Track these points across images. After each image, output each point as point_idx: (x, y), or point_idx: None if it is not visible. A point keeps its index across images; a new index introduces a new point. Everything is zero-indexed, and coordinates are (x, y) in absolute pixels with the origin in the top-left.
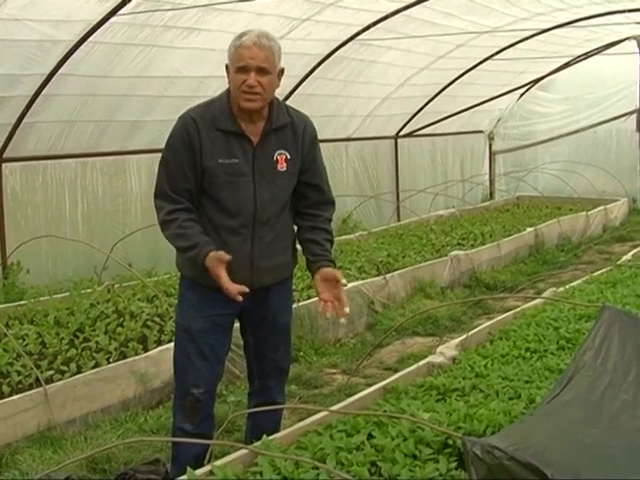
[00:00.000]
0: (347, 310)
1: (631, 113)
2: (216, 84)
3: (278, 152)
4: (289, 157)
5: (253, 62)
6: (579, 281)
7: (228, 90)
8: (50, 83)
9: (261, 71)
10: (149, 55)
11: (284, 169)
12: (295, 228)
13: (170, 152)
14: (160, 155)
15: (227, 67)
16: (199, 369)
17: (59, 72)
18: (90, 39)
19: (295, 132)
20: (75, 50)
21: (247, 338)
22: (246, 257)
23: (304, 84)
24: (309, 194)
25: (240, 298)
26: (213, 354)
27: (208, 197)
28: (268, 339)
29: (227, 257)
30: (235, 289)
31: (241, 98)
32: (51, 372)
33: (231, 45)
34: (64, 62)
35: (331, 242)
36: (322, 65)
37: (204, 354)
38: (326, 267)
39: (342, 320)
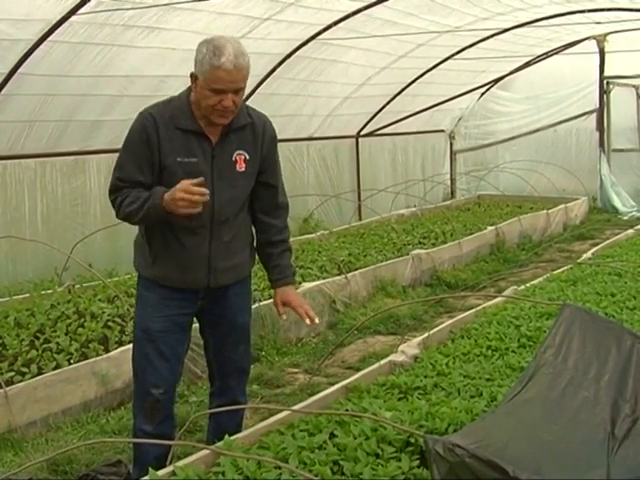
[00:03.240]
0: (317, 321)
1: (591, 112)
2: (177, 83)
3: (237, 152)
4: (248, 158)
5: (232, 85)
6: (540, 279)
7: (188, 89)
8: (9, 82)
9: (237, 90)
10: (109, 54)
11: (243, 169)
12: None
13: (127, 149)
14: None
15: (194, 77)
16: (159, 369)
17: (18, 71)
18: (50, 38)
19: (255, 132)
20: (35, 49)
21: (207, 338)
22: (203, 257)
23: (265, 84)
24: (264, 195)
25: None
26: (172, 354)
27: None
28: (227, 339)
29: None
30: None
31: (214, 115)
32: (11, 374)
33: (205, 62)
34: (23, 61)
35: (290, 250)
36: (283, 65)
37: (163, 354)
38: (288, 284)
39: (308, 322)
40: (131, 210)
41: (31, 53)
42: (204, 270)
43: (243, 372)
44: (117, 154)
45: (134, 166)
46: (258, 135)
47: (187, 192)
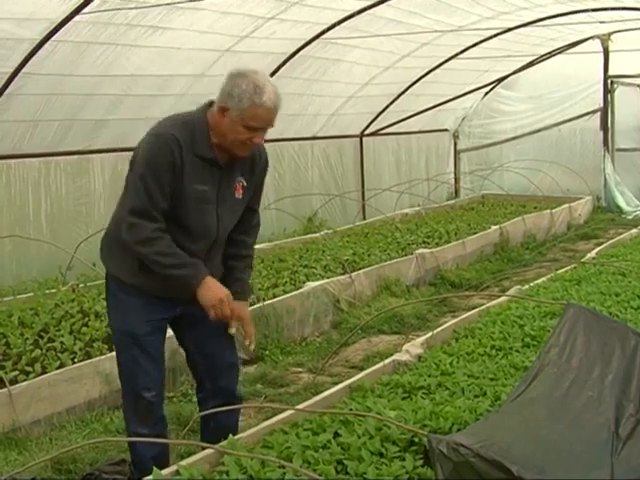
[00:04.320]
0: (253, 347)
1: (594, 112)
2: (181, 83)
3: (238, 180)
4: (245, 185)
5: (268, 123)
6: (544, 279)
7: (204, 110)
8: (13, 82)
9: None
10: (113, 54)
11: (240, 196)
12: None
13: (152, 170)
14: (131, 164)
15: (223, 109)
16: (148, 372)
17: (22, 71)
18: (54, 38)
19: (253, 159)
20: (39, 49)
21: (188, 343)
22: None
23: None
24: (247, 218)
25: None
26: (158, 356)
27: (173, 219)
28: (212, 337)
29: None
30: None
31: (239, 148)
32: (15, 373)
33: (246, 98)
34: (27, 61)
35: (252, 268)
36: (287, 64)
37: (151, 356)
38: (245, 300)
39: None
40: (165, 263)
41: (35, 52)
42: None
43: (233, 366)
44: (121, 154)
45: (161, 193)
46: (256, 162)
47: (228, 305)
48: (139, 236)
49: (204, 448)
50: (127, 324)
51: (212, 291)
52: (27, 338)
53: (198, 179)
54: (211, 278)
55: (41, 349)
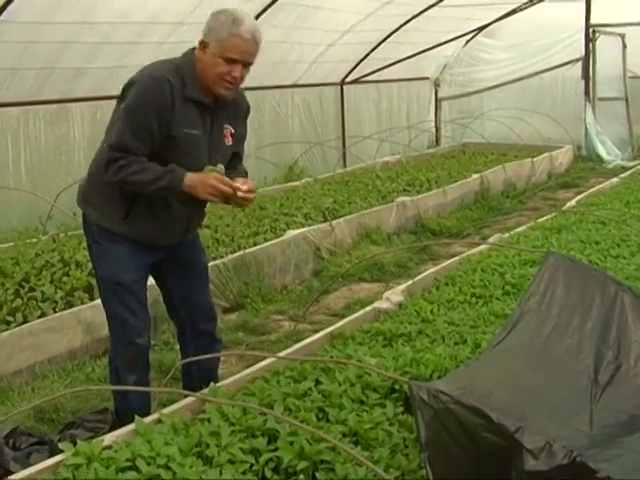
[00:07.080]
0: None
1: (576, 60)
2: (160, 30)
3: (225, 126)
4: (233, 131)
5: (246, 56)
6: (524, 227)
7: (191, 57)
8: None
9: (247, 65)
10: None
11: (229, 143)
12: None
13: (142, 111)
14: (113, 103)
15: (204, 44)
16: (139, 317)
17: (0, 18)
18: None
19: (237, 106)
20: None
21: (169, 285)
22: (184, 220)
23: None
24: (234, 164)
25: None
26: (146, 300)
27: (163, 163)
28: (192, 279)
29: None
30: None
31: (219, 85)
32: None
33: (224, 29)
34: (4, 8)
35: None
36: (268, 10)
37: (141, 302)
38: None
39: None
40: (137, 180)
41: (11, 0)
42: (182, 231)
43: (212, 310)
44: (101, 102)
45: (147, 134)
46: (239, 109)
47: (222, 183)
48: (113, 167)
49: (186, 396)
50: (116, 272)
51: (199, 183)
52: (8, 288)
53: (189, 123)
54: (191, 174)
55: (22, 299)
